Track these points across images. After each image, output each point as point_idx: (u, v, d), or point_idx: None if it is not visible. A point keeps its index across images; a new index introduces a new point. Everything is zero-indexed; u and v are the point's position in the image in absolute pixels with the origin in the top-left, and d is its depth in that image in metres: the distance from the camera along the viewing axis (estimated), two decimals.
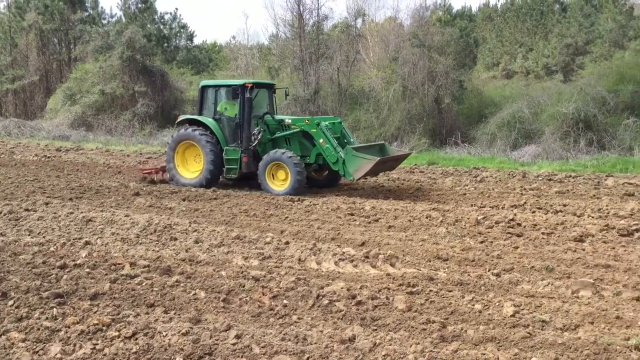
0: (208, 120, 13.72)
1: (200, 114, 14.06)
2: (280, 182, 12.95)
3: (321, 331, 5.26)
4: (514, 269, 7.18)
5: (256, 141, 13.39)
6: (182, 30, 42.59)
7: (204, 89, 14.24)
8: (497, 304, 5.99)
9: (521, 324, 5.45)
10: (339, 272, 7.17)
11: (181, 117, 14.72)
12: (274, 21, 51.54)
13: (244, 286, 6.44)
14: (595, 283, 6.53)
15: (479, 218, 9.99)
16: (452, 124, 25.06)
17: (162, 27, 38.76)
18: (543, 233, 9.02)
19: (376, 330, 5.37)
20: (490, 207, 11.40)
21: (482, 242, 8.55)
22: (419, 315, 5.68)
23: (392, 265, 7.48)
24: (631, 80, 19.87)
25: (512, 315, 5.63)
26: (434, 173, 16.35)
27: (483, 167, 17.10)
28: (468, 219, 10.02)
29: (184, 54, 40.28)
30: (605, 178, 14.48)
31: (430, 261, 7.60)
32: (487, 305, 5.98)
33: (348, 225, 9.75)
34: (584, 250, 8.03)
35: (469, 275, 6.99)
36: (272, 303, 5.97)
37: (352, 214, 10.60)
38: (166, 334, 5.14)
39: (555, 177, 14.83)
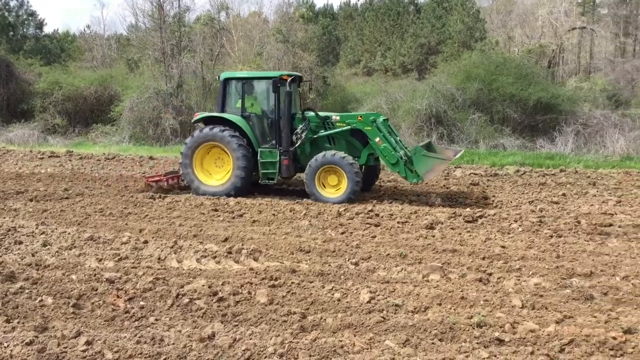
0: (236, 118, 11.90)
1: (222, 110, 12.21)
2: (331, 189, 11.50)
3: (179, 331, 5.12)
4: (371, 257, 7.48)
5: (299, 141, 11.82)
6: (30, 18, 39.40)
7: (226, 82, 12.23)
8: (355, 291, 6.21)
9: (376, 309, 5.69)
10: (200, 270, 7.02)
11: (199, 115, 12.54)
12: (133, 11, 49.27)
13: (96, 290, 6.09)
14: (443, 267, 7.01)
15: (340, 210, 10.30)
16: None
17: (6, 14, 35.53)
18: (398, 222, 9.50)
19: (237, 325, 5.33)
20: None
21: (342, 233, 8.82)
22: (281, 307, 5.73)
23: (256, 259, 7.48)
24: (477, 78, 21.59)
25: (369, 302, 5.87)
26: None
27: None
28: (330, 211, 10.29)
29: (32, 44, 37.27)
30: (454, 169, 15.62)
31: (293, 254, 7.70)
32: (345, 293, 6.17)
33: (211, 221, 9.59)
34: (434, 236, 8.58)
35: (329, 265, 7.17)
36: (128, 305, 5.71)
37: (216, 210, 10.44)
38: (8, 345, 4.75)
39: None
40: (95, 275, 6.58)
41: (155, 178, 13.00)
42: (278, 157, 11.78)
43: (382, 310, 5.67)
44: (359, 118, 11.68)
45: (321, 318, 5.46)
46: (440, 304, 5.86)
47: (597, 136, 19.79)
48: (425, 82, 24.81)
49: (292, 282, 6.44)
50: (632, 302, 5.98)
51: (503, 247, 7.99)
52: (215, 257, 7.50)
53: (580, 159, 17.77)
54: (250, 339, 4.96)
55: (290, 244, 8.03)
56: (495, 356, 4.70)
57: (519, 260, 7.37)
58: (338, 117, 11.92)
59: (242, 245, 7.92)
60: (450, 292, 6.14)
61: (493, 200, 11.58)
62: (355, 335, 5.10)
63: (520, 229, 9.10)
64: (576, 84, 26.46)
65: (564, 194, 12.26)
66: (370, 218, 9.82)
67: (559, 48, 30.97)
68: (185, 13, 28.12)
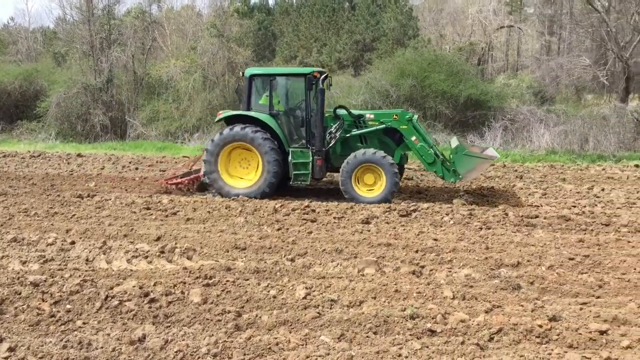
0: (265, 116, 11.28)
1: (248, 108, 11.54)
2: (367, 188, 11.10)
3: (108, 334, 4.95)
4: (307, 253, 7.48)
5: (333, 141, 11.37)
6: None
7: (252, 78, 11.56)
8: (291, 288, 6.19)
9: (312, 304, 5.70)
10: (131, 270, 6.81)
11: (224, 114, 11.78)
12: (60, 3, 47.30)
13: (20, 293, 5.80)
14: (378, 261, 7.09)
15: (276, 206, 10.24)
16: None
17: None
18: (335, 217, 9.54)
19: (169, 327, 5.21)
20: (288, 195, 11.75)
21: (279, 230, 8.78)
22: (215, 306, 5.64)
23: (189, 258, 7.33)
24: (410, 75, 21.96)
25: (304, 298, 5.86)
26: None
27: None
28: (266, 207, 10.22)
29: None
30: None
31: (228, 251, 7.60)
32: (281, 290, 6.14)
33: (143, 220, 9.33)
34: (369, 231, 8.68)
35: (265, 262, 7.12)
36: (54, 309, 5.46)
37: (148, 208, 10.16)
38: None
39: None
40: (18, 278, 6.27)
41: (174, 180, 12.26)
42: (311, 158, 11.27)
43: (318, 305, 5.68)
44: (395, 117, 11.35)
45: (256, 316, 5.41)
46: (375, 298, 5.93)
47: (524, 131, 20.56)
48: (360, 79, 25.03)
49: (227, 281, 6.35)
50: (556, 290, 6.26)
51: (435, 239, 8.17)
52: (146, 257, 7.31)
53: (508, 153, 18.44)
54: (183, 340, 4.85)
55: (225, 242, 7.92)
56: (427, 347, 4.80)
57: (450, 252, 7.56)
58: (373, 116, 11.60)
59: (176, 244, 7.75)
60: (384, 285, 6.22)
61: (426, 194, 11.83)
62: (290, 332, 5.09)
63: (451, 222, 9.34)
64: (504, 81, 27.39)
65: (492, 187, 12.68)
66: (307, 214, 9.82)
67: (488, 46, 32.03)
68: (115, 5, 27.23)
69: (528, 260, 7.20)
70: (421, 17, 38.55)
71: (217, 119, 12.10)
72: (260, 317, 5.38)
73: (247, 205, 10.44)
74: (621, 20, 23.98)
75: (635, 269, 6.93)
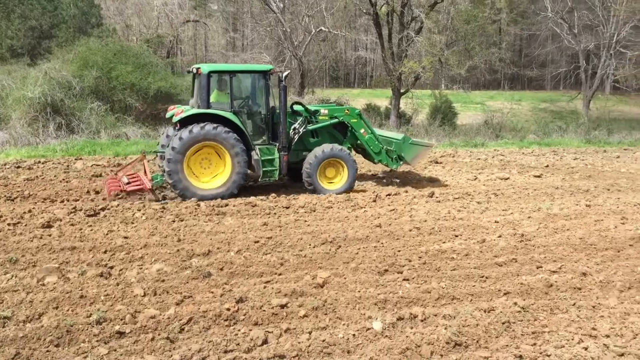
0: (228, 114, 10.91)
1: (207, 107, 10.87)
2: (328, 181, 11.71)
3: None
4: None
5: (297, 136, 11.57)
6: None
7: (211, 75, 10.91)
8: None
9: None
10: None
11: (187, 112, 10.87)
12: None
13: None
14: (60, 267, 6.53)
15: None
16: None
17: None
18: (9, 224, 8.45)
19: None
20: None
21: None
22: None
23: None
24: (94, 66, 20.76)
25: None
26: None
27: None
28: None
29: None
30: (75, 161, 14.76)
31: None
32: None
33: None
34: (50, 235, 7.90)
35: None
36: None
37: None
38: None
39: (24, 163, 14.19)
40: None
41: (131, 187, 10.66)
42: (277, 154, 11.28)
43: None
44: (347, 111, 12.33)
45: None
46: (57, 308, 5.44)
47: None
48: (38, 68, 22.67)
49: None
50: (244, 273, 6.63)
51: (126, 237, 7.89)
52: None
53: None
54: None
55: None
56: (115, 350, 4.60)
57: (141, 248, 7.40)
58: (326, 111, 12.21)
59: None
60: (68, 292, 5.75)
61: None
62: None
63: (144, 217, 9.14)
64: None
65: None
66: None
67: (175, 39, 32.20)
68: None
69: (218, 248, 7.48)
70: (104, 5, 36.76)
71: (179, 118, 10.90)
72: None
73: None
74: (295, 21, 26.62)
75: (310, 245, 7.78)
